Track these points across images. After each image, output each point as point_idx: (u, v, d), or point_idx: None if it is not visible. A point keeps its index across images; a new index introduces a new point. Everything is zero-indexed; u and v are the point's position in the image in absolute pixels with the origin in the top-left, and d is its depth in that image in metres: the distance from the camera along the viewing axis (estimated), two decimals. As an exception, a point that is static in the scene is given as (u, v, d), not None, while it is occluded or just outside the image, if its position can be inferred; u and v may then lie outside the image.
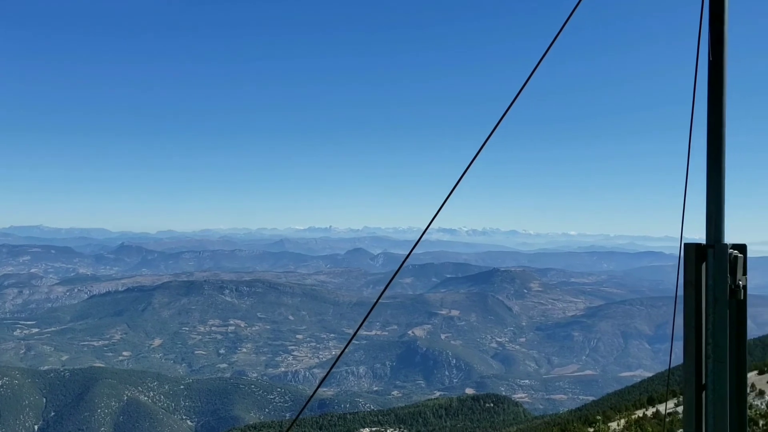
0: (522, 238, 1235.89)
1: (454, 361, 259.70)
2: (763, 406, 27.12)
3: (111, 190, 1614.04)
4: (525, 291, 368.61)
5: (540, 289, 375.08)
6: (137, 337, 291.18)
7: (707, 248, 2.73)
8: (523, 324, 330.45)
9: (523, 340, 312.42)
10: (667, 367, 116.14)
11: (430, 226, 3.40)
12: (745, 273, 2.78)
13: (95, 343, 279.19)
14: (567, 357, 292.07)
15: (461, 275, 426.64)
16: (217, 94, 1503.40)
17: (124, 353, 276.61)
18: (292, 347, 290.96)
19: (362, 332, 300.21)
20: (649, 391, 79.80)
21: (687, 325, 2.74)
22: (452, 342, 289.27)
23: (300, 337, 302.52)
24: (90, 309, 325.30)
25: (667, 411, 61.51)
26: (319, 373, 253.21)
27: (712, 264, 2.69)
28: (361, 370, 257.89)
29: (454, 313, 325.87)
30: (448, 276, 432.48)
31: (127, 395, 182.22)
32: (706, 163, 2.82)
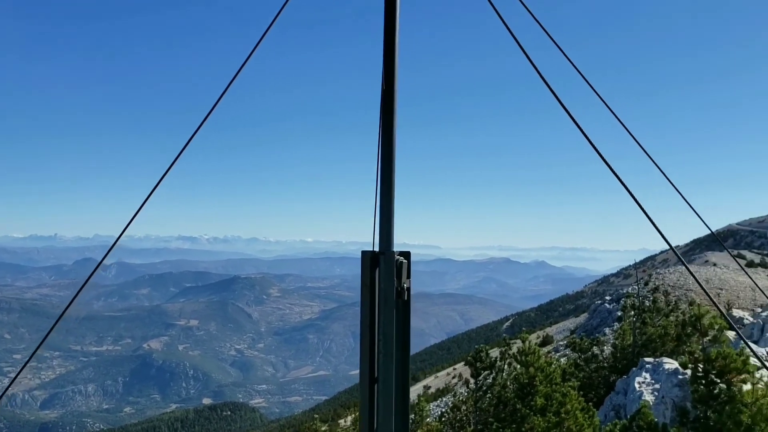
0: (262, 245, 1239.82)
1: (192, 372, 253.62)
2: (466, 394, 31.23)
3: None
4: (264, 297, 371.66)
5: (279, 294, 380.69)
6: None
7: (379, 255, 2.95)
8: (262, 330, 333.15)
9: (261, 345, 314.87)
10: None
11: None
12: (409, 276, 3.03)
13: None
14: (303, 359, 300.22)
15: (201, 284, 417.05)
16: None
17: None
18: (9, 368, 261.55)
19: (92, 348, 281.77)
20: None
21: (363, 324, 2.96)
22: (190, 353, 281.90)
23: (18, 356, 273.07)
24: None
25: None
26: (41, 395, 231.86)
27: (383, 269, 2.92)
28: (89, 389, 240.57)
29: (193, 323, 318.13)
30: (188, 285, 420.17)
31: None
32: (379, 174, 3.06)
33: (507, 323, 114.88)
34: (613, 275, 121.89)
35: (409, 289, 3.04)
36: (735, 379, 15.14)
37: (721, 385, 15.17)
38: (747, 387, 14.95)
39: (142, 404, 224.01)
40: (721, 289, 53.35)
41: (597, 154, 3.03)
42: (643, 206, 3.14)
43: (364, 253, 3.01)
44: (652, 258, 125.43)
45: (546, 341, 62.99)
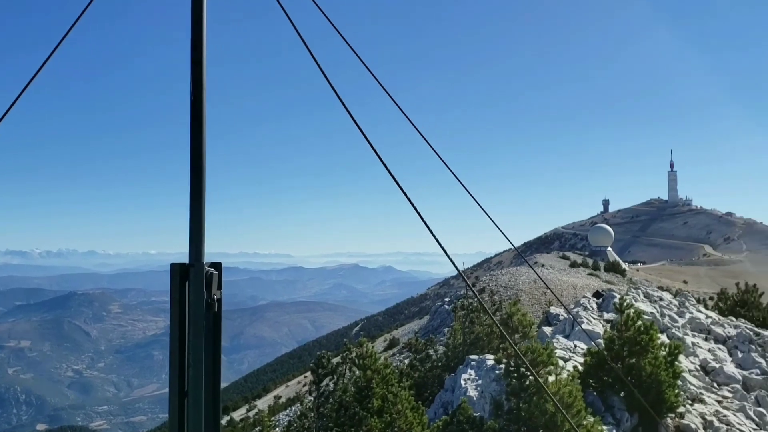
0: (102, 259, 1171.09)
1: (24, 397, 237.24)
2: (313, 401, 32.01)
3: None
4: (104, 314, 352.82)
5: (120, 310, 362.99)
6: None
7: (189, 267, 2.93)
8: (102, 348, 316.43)
9: (101, 365, 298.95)
10: (241, 377, 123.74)
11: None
12: (220, 288, 3.01)
13: None
14: (147, 377, 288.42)
15: (33, 301, 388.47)
16: None
17: None
18: None
19: None
20: (224, 401, 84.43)
21: (172, 336, 2.91)
22: (22, 376, 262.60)
23: None
24: None
25: (240, 417, 66.48)
26: None
27: (192, 281, 2.91)
28: None
29: (25, 343, 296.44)
30: (18, 303, 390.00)
31: None
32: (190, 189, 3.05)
33: (356, 328, 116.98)
34: (453, 278, 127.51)
35: (220, 300, 3.01)
36: (542, 372, 16.97)
37: (530, 377, 16.94)
38: (552, 378, 16.80)
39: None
40: (548, 288, 57.62)
41: (388, 172, 3.42)
42: (428, 223, 3.56)
43: (173, 265, 2.96)
44: (488, 260, 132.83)
45: (393, 344, 65.11)
